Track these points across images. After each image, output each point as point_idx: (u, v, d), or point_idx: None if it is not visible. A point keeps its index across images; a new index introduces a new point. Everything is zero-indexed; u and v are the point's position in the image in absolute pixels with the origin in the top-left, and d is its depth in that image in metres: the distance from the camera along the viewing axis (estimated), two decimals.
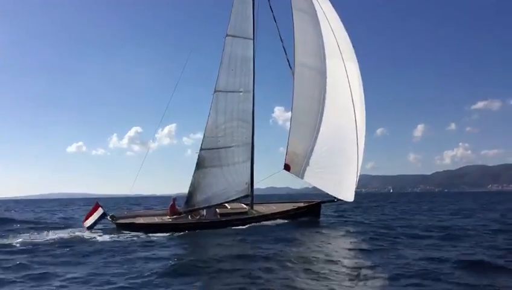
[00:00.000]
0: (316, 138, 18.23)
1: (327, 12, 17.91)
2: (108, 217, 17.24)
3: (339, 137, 17.91)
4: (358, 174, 18.00)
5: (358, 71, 17.86)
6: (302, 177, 18.60)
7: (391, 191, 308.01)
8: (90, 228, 16.72)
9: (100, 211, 16.78)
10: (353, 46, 17.84)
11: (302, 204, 20.00)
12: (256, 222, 17.58)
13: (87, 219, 16.93)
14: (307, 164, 18.37)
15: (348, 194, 18.10)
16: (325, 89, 18.04)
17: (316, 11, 17.95)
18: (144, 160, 19.96)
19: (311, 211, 19.42)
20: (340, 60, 17.64)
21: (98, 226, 17.19)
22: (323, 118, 18.09)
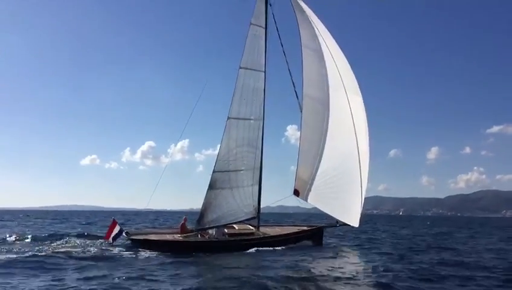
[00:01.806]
0: (322, 165, 19.34)
1: (333, 51, 19.29)
2: (124, 233, 18.44)
3: (344, 164, 19.00)
4: (363, 201, 18.95)
5: (362, 103, 19.09)
6: (310, 202, 19.64)
7: (400, 213, 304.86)
8: (113, 241, 18.07)
9: (118, 227, 18.06)
10: (357, 80, 19.10)
11: (305, 228, 20.92)
12: (261, 246, 18.33)
13: (109, 234, 18.27)
14: (315, 189, 19.41)
15: (353, 220, 19.03)
16: (331, 119, 19.28)
17: (322, 49, 19.32)
18: (161, 175, 21.23)
19: (314, 235, 20.27)
20: (344, 92, 18.94)
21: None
22: (329, 147, 19.27)
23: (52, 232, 25.30)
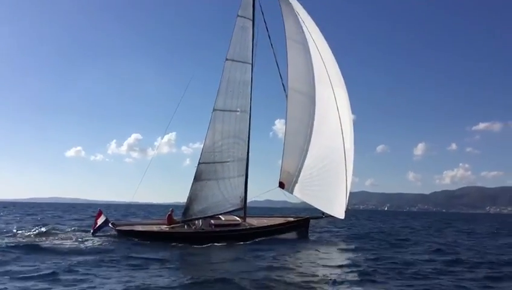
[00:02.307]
0: (307, 157, 19.49)
1: (318, 42, 19.42)
2: (110, 224, 18.47)
3: (329, 157, 19.20)
4: (348, 192, 19.17)
5: (347, 97, 19.33)
6: (296, 194, 19.78)
7: (386, 209, 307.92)
8: (94, 232, 17.97)
9: (103, 217, 18.07)
10: (342, 74, 19.30)
11: (291, 219, 21.15)
12: (247, 237, 18.52)
13: (95, 225, 18.25)
14: (300, 181, 19.56)
15: (339, 211, 19.22)
16: (315, 112, 19.43)
17: (307, 41, 19.44)
18: (147, 168, 21.27)
19: (300, 226, 20.41)
20: (329, 86, 19.11)
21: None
22: (314, 140, 19.42)
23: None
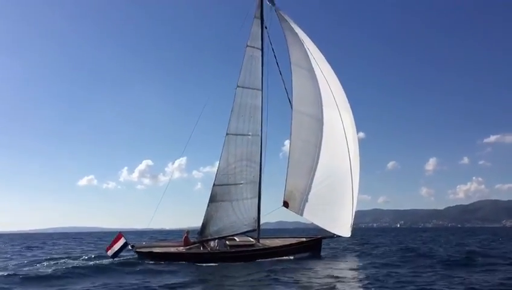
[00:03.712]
0: (312, 177, 20.15)
1: (322, 67, 20.46)
2: (129, 247, 19.23)
3: (334, 177, 19.90)
4: (354, 211, 19.73)
5: (352, 119, 20.20)
6: (300, 213, 20.32)
7: (398, 226, 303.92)
8: (114, 256, 18.71)
9: (123, 240, 18.82)
10: (348, 97, 20.22)
11: (304, 239, 21.67)
12: (261, 257, 19.08)
13: (110, 247, 18.95)
14: (305, 201, 20.14)
15: (344, 230, 19.81)
16: (321, 134, 20.25)
17: (312, 66, 20.49)
18: (163, 194, 22.11)
19: (313, 246, 20.83)
20: (335, 108, 20.02)
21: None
22: (319, 160, 20.16)
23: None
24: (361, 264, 17.67)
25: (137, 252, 19.41)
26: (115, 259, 18.68)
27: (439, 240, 39.62)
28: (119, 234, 19.26)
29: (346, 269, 16.76)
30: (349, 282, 12.91)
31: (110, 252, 18.93)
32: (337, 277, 13.52)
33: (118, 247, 18.78)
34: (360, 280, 13.28)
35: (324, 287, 11.89)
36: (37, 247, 35.53)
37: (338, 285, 12.10)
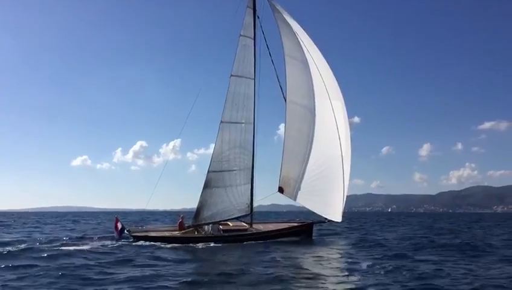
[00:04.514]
0: (306, 164, 20.77)
1: (315, 58, 20.85)
2: (126, 231, 19.88)
3: (326, 163, 20.50)
4: (345, 197, 20.40)
5: (344, 108, 20.70)
6: (294, 199, 21.01)
7: (389, 210, 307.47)
8: (120, 238, 19.81)
9: (120, 224, 19.52)
10: (341, 83, 20.73)
11: (295, 224, 22.30)
12: (254, 240, 19.83)
13: (116, 231, 19.98)
14: (299, 187, 20.82)
15: (336, 215, 20.46)
16: (314, 123, 20.80)
17: (305, 57, 20.88)
18: (160, 176, 22.63)
19: (304, 231, 21.55)
20: (327, 98, 20.49)
21: None
22: (312, 148, 20.75)
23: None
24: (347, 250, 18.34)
25: (133, 236, 20.03)
26: (122, 240, 19.61)
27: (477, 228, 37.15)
28: (116, 219, 19.98)
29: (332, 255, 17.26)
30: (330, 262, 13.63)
31: (117, 236, 20.02)
32: (321, 258, 14.20)
33: (120, 229, 19.72)
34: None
35: (306, 267, 12.66)
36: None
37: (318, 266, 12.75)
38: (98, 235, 22.59)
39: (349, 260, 14.46)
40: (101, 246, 18.05)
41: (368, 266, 12.98)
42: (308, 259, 14.95)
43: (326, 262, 14.08)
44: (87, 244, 18.57)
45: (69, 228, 32.89)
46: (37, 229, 31.63)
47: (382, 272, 11.90)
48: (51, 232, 28.66)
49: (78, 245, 18.05)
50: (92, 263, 13.56)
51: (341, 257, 15.86)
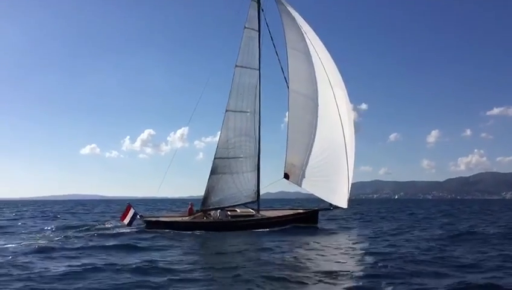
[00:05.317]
0: (309, 152, 21.35)
1: (318, 49, 21.43)
2: (138, 216, 20.81)
3: (330, 149, 21.06)
4: (350, 183, 20.94)
5: (346, 96, 21.30)
6: (300, 185, 21.62)
7: (396, 197, 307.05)
8: (129, 224, 20.43)
9: (132, 211, 20.41)
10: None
11: (301, 211, 22.91)
12: (260, 227, 20.28)
13: (124, 217, 20.63)
14: (303, 173, 21.42)
15: (341, 201, 20.91)
16: (316, 111, 21.37)
17: (308, 49, 21.48)
18: (170, 164, 23.43)
19: (309, 218, 22.00)
20: (329, 87, 21.05)
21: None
22: (315, 135, 21.32)
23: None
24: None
25: (145, 221, 21.00)
26: (132, 226, 20.40)
27: None
28: (128, 205, 20.86)
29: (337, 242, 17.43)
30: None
31: (126, 221, 20.58)
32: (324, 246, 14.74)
33: (130, 216, 20.42)
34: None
35: (310, 253, 13.28)
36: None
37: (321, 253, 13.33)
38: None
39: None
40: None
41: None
42: (313, 245, 15.32)
43: (331, 248, 14.47)
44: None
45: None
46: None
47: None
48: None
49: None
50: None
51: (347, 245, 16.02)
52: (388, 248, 14.25)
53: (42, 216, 35.25)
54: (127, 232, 18.86)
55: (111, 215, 33.71)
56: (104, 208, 56.88)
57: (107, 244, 15.24)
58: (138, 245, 15.01)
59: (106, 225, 21.59)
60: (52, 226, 22.35)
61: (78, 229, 19.91)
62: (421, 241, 16.00)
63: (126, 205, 21.29)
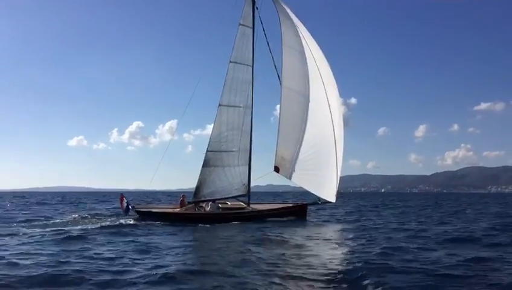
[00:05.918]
0: (299, 146, 21.90)
1: (312, 49, 21.94)
2: (130, 207, 21.24)
3: (320, 144, 21.62)
4: (339, 177, 21.56)
5: (337, 93, 21.85)
6: (290, 178, 22.19)
7: (383, 190, 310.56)
8: (126, 213, 21.11)
9: (125, 201, 20.89)
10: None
11: (291, 205, 23.52)
12: (250, 219, 20.73)
13: (122, 208, 21.33)
14: (293, 167, 21.97)
15: (330, 195, 21.53)
16: (307, 108, 21.92)
17: (303, 47, 21.96)
18: (163, 156, 23.82)
19: (299, 211, 22.61)
20: (321, 84, 21.56)
21: None
22: (306, 131, 21.88)
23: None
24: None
25: (137, 211, 21.41)
26: (129, 215, 21.11)
27: None
28: (121, 196, 21.34)
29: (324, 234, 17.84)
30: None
31: (124, 212, 21.33)
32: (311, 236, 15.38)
33: (125, 206, 21.01)
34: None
35: (298, 243, 13.80)
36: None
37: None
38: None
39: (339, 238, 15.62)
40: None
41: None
42: (300, 237, 15.61)
43: (318, 240, 15.02)
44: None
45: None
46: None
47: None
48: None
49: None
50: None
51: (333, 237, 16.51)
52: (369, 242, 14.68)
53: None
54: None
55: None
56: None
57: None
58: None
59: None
60: None
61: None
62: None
63: (119, 195, 21.80)
